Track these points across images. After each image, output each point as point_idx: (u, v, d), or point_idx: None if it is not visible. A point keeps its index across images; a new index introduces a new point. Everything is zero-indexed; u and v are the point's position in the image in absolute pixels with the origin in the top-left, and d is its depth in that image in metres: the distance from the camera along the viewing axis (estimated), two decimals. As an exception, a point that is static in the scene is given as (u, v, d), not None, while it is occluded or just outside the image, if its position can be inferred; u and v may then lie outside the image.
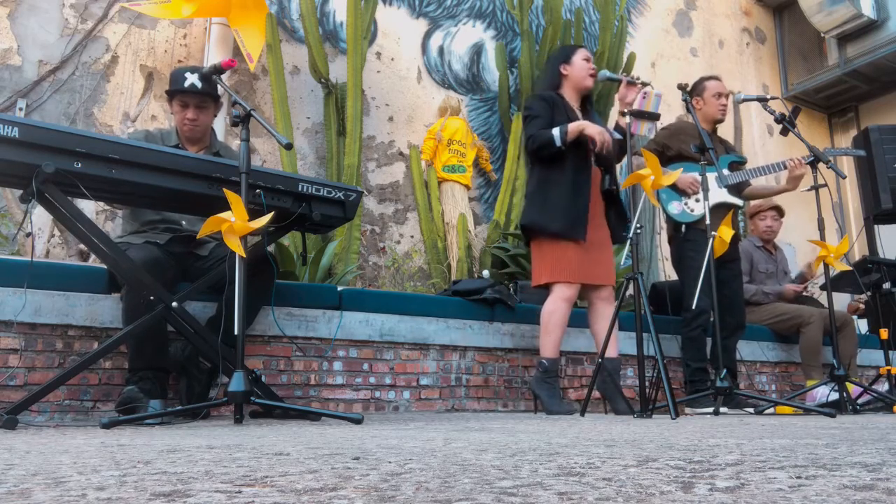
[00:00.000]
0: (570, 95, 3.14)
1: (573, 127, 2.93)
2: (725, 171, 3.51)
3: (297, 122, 4.45)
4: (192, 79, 2.55)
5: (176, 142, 2.62)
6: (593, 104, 3.15)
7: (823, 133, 8.02)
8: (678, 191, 3.49)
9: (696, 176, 3.35)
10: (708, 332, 3.47)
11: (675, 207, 3.50)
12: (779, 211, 4.49)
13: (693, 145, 3.09)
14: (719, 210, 3.37)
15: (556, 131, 2.94)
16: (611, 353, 3.00)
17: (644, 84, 3.00)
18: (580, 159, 3.02)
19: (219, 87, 2.53)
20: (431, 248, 4.66)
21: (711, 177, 3.39)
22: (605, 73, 3.06)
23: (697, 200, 3.45)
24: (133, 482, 0.78)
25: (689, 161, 3.44)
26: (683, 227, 3.47)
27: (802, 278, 4.69)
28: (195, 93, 2.56)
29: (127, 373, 2.32)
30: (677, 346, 3.74)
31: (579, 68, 3.12)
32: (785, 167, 3.49)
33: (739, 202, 3.56)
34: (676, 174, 2.83)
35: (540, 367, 3.02)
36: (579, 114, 3.13)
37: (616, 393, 2.98)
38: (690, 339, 3.47)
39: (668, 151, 3.55)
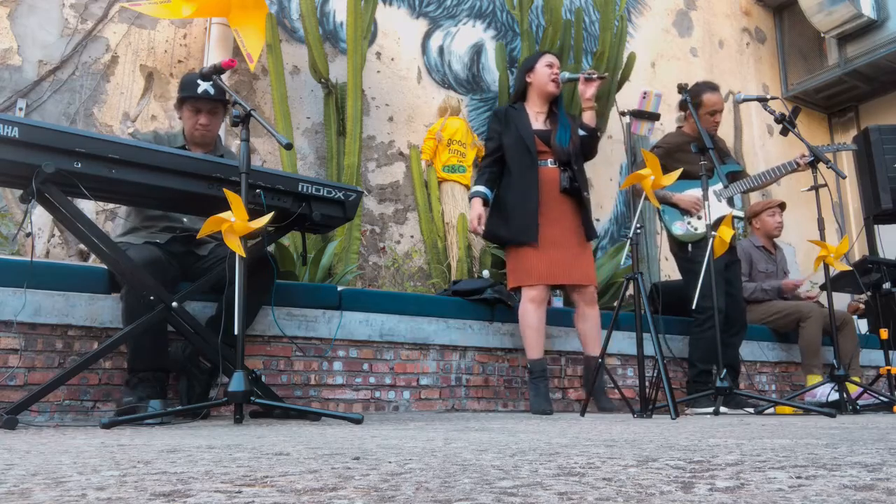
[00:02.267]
0: (535, 102, 3.22)
1: (473, 210, 3.10)
2: (719, 186, 3.51)
3: (297, 122, 4.45)
4: (204, 85, 2.58)
5: (182, 143, 2.64)
6: (561, 106, 3.24)
7: (823, 133, 8.02)
8: (681, 210, 3.50)
9: (698, 195, 3.37)
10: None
11: (678, 227, 3.51)
12: (782, 206, 4.49)
13: (693, 146, 3.08)
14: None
15: (478, 191, 3.11)
16: (593, 351, 3.09)
17: (601, 77, 3.07)
18: (524, 164, 3.06)
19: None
20: (431, 248, 4.66)
21: (711, 191, 3.42)
22: (565, 75, 3.14)
23: (700, 218, 3.45)
24: (133, 482, 0.78)
25: (689, 178, 3.43)
26: (689, 246, 3.47)
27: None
28: (208, 99, 2.59)
29: (126, 374, 2.32)
30: (681, 345, 3.74)
31: (541, 75, 3.18)
32: (797, 165, 3.40)
33: (741, 213, 3.59)
34: (676, 174, 2.83)
35: (527, 369, 3.14)
36: (540, 118, 3.19)
37: (598, 391, 3.05)
38: (703, 340, 3.46)
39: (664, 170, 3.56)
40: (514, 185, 3.06)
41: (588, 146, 3.20)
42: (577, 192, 3.10)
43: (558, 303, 3.97)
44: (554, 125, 3.16)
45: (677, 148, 3.58)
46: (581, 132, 3.17)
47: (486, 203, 3.13)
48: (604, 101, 5.22)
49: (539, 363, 3.06)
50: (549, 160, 3.11)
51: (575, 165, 3.11)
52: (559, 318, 3.51)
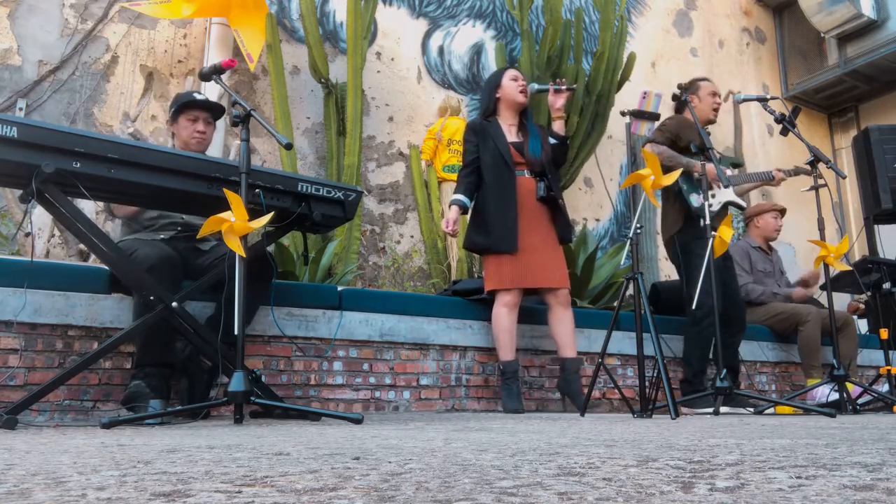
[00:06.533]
0: (506, 114, 3.34)
1: (449, 214, 3.17)
2: (729, 171, 3.53)
3: (297, 122, 4.45)
4: (202, 95, 2.69)
5: None
6: (530, 117, 3.40)
7: (823, 133, 8.02)
8: (700, 183, 3.52)
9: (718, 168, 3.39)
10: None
11: (696, 200, 3.50)
12: (782, 212, 4.51)
13: (693, 145, 3.08)
14: (724, 211, 3.39)
15: (458, 199, 3.19)
16: (570, 353, 3.19)
17: (570, 89, 3.23)
18: (503, 176, 3.19)
19: (218, 87, 2.56)
20: (431, 248, 4.66)
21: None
22: (534, 86, 3.31)
23: (714, 195, 3.45)
24: (133, 482, 0.78)
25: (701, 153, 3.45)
26: (701, 221, 3.47)
27: (805, 283, 4.67)
28: (206, 107, 2.67)
29: (133, 369, 2.33)
30: (679, 345, 3.73)
31: (509, 88, 3.31)
32: (772, 178, 3.53)
33: (744, 203, 3.57)
34: (675, 174, 2.83)
35: (498, 370, 3.20)
36: (512, 130, 3.31)
37: (576, 393, 3.14)
38: (702, 340, 3.43)
39: (680, 142, 3.52)
40: (492, 196, 3.17)
41: (560, 153, 3.34)
42: (552, 200, 3.25)
43: None
44: (526, 137, 3.30)
45: (688, 123, 3.57)
46: (553, 140, 3.32)
47: (464, 211, 3.24)
48: (604, 101, 5.22)
49: (511, 364, 3.13)
50: (525, 171, 3.24)
51: (549, 174, 3.26)
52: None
